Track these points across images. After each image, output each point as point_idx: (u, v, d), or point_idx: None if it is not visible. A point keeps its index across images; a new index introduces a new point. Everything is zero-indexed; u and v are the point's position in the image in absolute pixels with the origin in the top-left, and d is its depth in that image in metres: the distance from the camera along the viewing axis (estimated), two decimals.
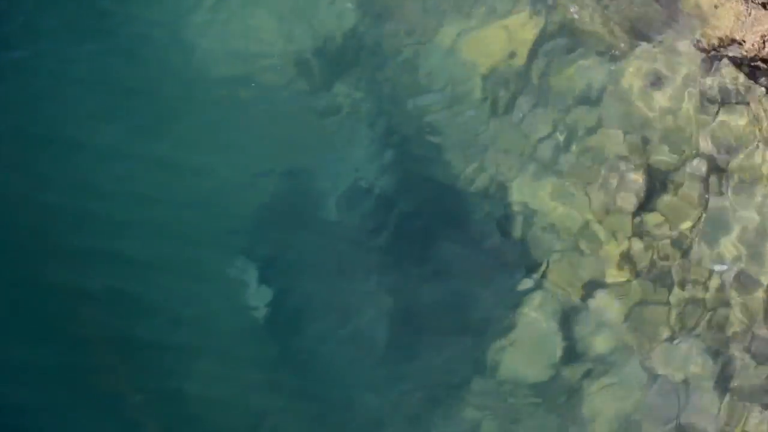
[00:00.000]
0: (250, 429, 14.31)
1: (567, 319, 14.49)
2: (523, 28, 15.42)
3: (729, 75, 14.67)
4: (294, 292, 14.71)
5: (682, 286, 14.35)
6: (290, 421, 14.30)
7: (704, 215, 14.44)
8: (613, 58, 15.14)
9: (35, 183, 14.93)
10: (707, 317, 14.24)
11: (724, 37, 14.57)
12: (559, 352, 14.51)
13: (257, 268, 14.74)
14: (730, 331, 14.21)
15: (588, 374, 14.35)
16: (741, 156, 14.51)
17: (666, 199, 14.58)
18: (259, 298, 14.67)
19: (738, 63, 14.66)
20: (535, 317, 14.56)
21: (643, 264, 14.45)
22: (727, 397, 14.05)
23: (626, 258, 14.46)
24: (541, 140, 15.05)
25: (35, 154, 15.10)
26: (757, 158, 14.42)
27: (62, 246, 14.62)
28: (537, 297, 14.63)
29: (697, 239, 14.41)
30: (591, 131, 14.93)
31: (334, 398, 14.37)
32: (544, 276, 14.64)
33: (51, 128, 15.24)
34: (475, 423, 14.33)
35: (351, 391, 14.39)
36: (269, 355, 14.53)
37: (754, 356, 14.10)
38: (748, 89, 14.59)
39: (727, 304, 14.27)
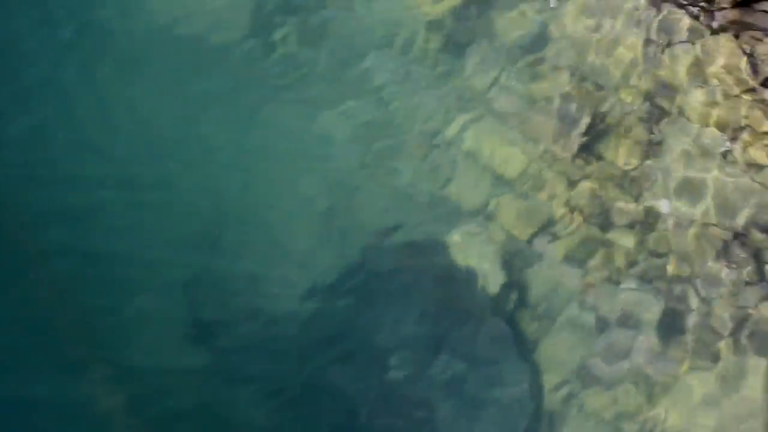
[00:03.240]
0: None
1: (512, 264, 14.10)
2: None
3: (673, 15, 14.64)
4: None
5: (627, 228, 14.11)
6: None
7: (646, 155, 14.28)
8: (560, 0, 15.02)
9: None
10: (654, 258, 13.98)
11: None
12: (505, 298, 13.97)
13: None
14: (675, 274, 13.93)
15: (536, 319, 13.91)
16: (685, 96, 14.40)
17: (610, 140, 14.44)
18: None
19: (680, 4, 14.66)
20: (481, 263, 14.08)
21: (588, 206, 14.24)
22: (673, 339, 13.70)
23: (571, 201, 14.25)
24: (483, 85, 14.90)
25: None
26: (697, 99, 14.32)
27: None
28: (482, 243, 14.17)
29: (641, 180, 14.24)
30: (534, 75, 14.82)
31: None
32: (488, 221, 14.28)
33: None
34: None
35: None
36: None
37: (700, 298, 13.83)
38: (691, 30, 14.56)
39: (671, 245, 14.01)
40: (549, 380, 13.88)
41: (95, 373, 13.85)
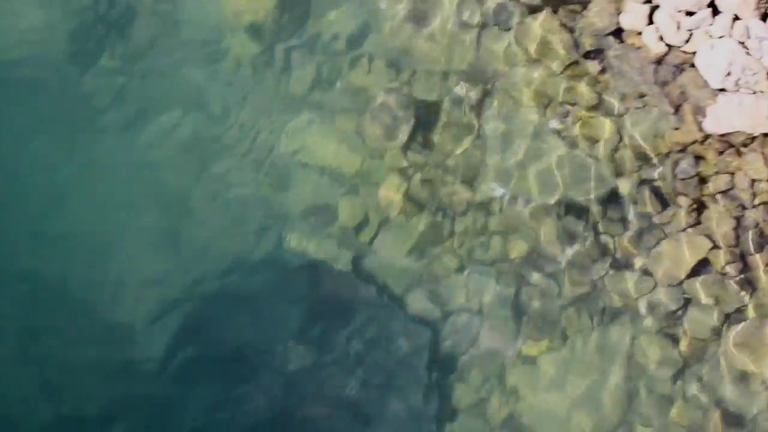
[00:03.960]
0: None
1: (358, 260, 14.09)
2: None
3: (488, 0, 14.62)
4: None
5: (464, 213, 14.08)
6: None
7: (475, 140, 14.25)
8: None
9: None
10: (493, 242, 13.94)
11: None
12: (355, 293, 14.13)
13: None
14: (516, 255, 13.90)
15: (385, 314, 13.85)
16: (509, 77, 14.37)
17: (437, 128, 14.40)
18: None
19: None
20: (328, 262, 14.03)
21: (422, 196, 14.22)
22: (521, 320, 13.67)
23: (405, 192, 14.21)
24: (308, 86, 14.79)
25: None
26: (520, 80, 14.30)
27: None
28: (326, 242, 14.04)
29: (471, 165, 14.18)
30: (356, 69, 14.76)
31: None
32: (329, 220, 14.17)
33: None
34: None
35: None
36: None
37: (544, 276, 13.82)
38: (509, 10, 14.53)
39: (509, 227, 13.98)
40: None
41: None
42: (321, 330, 13.94)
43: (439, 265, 14.04)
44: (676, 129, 14.08)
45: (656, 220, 13.92)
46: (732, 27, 13.77)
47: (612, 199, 14.05)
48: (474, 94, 14.40)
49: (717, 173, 13.89)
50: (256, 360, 13.83)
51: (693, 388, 13.45)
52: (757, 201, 13.75)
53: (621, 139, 14.19)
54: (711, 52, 13.84)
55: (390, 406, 13.76)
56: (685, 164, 14.00)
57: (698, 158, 13.99)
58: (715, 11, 13.91)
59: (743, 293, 13.58)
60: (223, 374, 13.77)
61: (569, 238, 13.97)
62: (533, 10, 14.59)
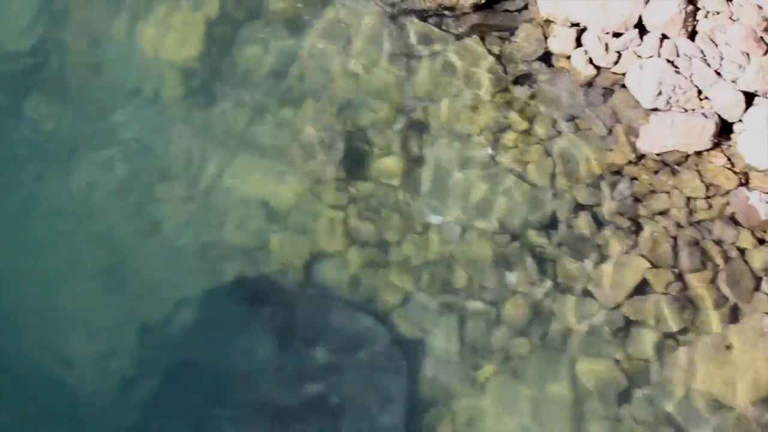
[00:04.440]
0: None
1: (297, 297, 13.63)
2: (204, 13, 14.91)
3: (415, 28, 14.55)
4: None
5: (403, 245, 13.79)
6: None
7: (410, 170, 14.07)
8: (301, 29, 14.81)
9: None
10: (433, 273, 13.68)
11: None
12: (292, 332, 13.56)
13: None
14: (457, 284, 13.67)
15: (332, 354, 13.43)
16: (439, 106, 14.29)
17: (371, 159, 14.16)
18: None
19: (422, 15, 14.58)
20: (263, 302, 13.64)
21: (360, 229, 13.87)
22: (466, 349, 13.41)
23: (343, 226, 13.86)
24: (239, 123, 14.42)
25: None
26: (452, 108, 14.21)
27: None
28: (262, 282, 13.65)
29: (409, 195, 13.98)
30: (288, 105, 14.46)
31: None
32: (265, 257, 13.76)
33: None
34: None
35: None
36: None
37: (486, 304, 13.61)
38: (436, 39, 14.50)
39: (449, 256, 13.75)
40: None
41: None
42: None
43: (381, 298, 13.68)
44: (610, 150, 14.08)
45: (595, 242, 13.81)
46: (660, 46, 13.89)
47: (550, 223, 13.95)
48: (406, 124, 14.22)
49: (653, 193, 13.91)
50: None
51: (639, 410, 13.28)
52: (693, 219, 13.74)
53: (555, 163, 14.12)
54: (640, 72, 13.92)
55: None
56: (621, 185, 13.99)
57: (633, 179, 13.97)
58: (643, 31, 14.02)
59: (685, 312, 13.49)
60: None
61: (509, 264, 13.79)
62: (460, 38, 14.53)
